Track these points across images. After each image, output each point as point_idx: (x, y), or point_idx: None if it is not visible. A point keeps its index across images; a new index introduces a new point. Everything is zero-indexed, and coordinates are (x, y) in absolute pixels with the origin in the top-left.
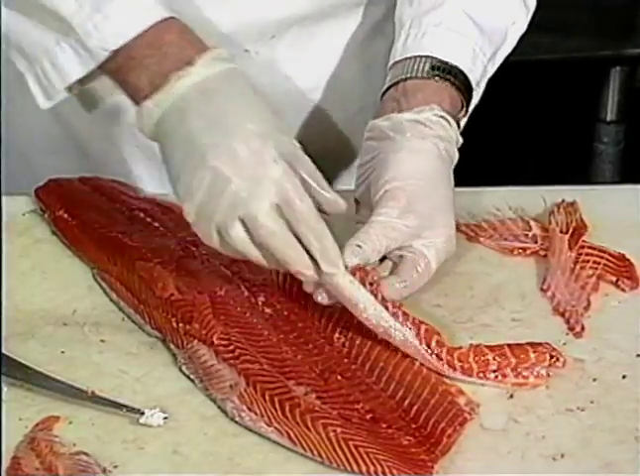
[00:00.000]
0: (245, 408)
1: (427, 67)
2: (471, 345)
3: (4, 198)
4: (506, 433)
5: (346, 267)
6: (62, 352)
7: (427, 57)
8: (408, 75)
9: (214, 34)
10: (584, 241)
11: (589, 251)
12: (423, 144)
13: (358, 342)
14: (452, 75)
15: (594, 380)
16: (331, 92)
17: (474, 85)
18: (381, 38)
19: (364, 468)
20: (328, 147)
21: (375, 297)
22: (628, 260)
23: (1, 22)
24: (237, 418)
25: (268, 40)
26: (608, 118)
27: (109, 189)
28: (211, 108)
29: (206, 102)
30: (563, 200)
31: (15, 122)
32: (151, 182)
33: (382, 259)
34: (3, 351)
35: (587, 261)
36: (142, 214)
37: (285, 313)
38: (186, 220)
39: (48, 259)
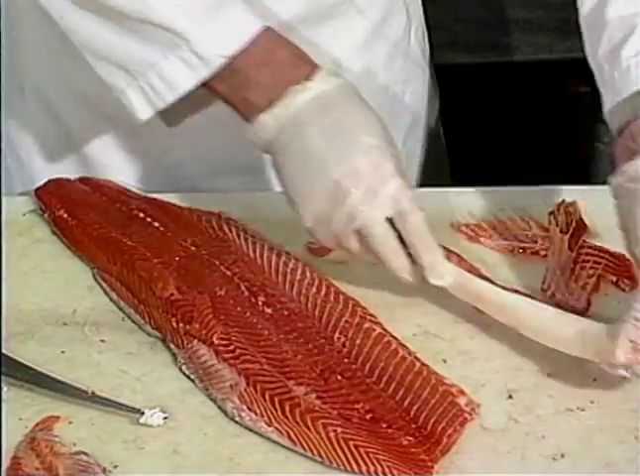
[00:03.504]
0: (245, 408)
1: None
2: None
3: (4, 198)
4: (506, 433)
5: None
6: (62, 352)
7: None
8: (630, 118)
9: None
10: (584, 241)
11: (589, 251)
12: None
13: (358, 342)
14: None
15: (594, 380)
16: None
17: None
18: (381, 40)
19: (364, 468)
20: None
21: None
22: (628, 260)
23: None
24: (237, 418)
25: None
26: None
27: (109, 189)
28: (329, 122)
29: (324, 116)
30: (563, 200)
31: (13, 127)
32: (148, 186)
33: None
34: (3, 351)
35: (588, 261)
36: (142, 214)
37: (285, 313)
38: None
39: (48, 259)
